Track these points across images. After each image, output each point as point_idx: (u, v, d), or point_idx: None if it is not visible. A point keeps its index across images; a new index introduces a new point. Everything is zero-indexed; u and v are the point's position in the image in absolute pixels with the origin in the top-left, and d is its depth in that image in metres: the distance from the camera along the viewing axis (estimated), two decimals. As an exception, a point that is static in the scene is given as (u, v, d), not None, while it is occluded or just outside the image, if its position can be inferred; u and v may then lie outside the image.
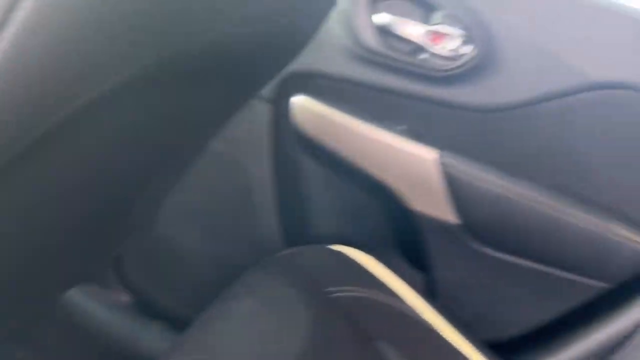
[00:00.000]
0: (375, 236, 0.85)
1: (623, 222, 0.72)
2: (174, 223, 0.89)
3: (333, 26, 0.76)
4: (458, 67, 0.73)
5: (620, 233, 0.72)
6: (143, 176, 0.55)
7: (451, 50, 0.73)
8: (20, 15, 0.27)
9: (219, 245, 0.89)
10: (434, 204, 0.76)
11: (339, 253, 0.75)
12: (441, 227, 0.77)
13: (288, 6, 0.46)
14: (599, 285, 0.74)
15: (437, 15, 0.73)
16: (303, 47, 0.59)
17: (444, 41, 0.73)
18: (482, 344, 0.72)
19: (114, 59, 0.32)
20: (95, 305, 0.88)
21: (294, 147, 0.81)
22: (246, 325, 0.56)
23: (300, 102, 0.78)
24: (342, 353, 0.58)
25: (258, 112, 0.80)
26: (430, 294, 0.81)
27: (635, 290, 0.73)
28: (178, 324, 0.75)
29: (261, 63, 0.55)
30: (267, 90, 0.78)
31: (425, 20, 0.74)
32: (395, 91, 0.76)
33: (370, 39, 0.74)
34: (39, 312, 0.67)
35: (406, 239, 0.83)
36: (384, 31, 0.74)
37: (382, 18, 0.74)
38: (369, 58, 0.75)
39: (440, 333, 0.69)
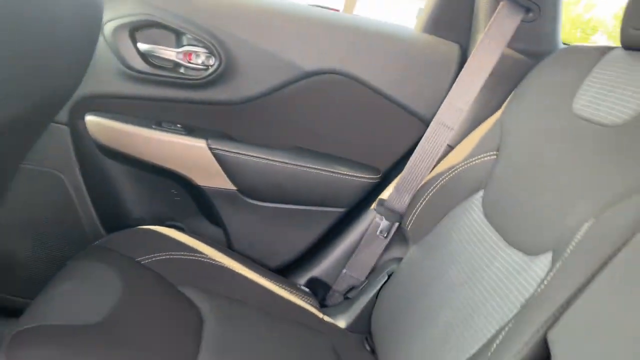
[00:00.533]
0: (180, 212, 1.09)
1: (343, 164, 1.04)
2: (8, 239, 1.04)
3: (106, 55, 0.95)
4: (208, 75, 0.97)
5: (343, 172, 1.03)
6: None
7: (201, 63, 0.97)
8: None
9: (52, 248, 1.06)
10: (215, 179, 1.02)
11: (149, 230, 0.97)
12: (223, 194, 1.03)
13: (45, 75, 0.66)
14: (338, 210, 1.06)
15: (185, 38, 0.96)
16: (79, 82, 0.79)
17: (193, 58, 0.97)
18: (267, 272, 1.00)
19: None
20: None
21: (96, 155, 1.01)
22: (65, 301, 0.74)
23: (92, 120, 0.97)
24: (152, 300, 0.80)
25: (58, 133, 0.98)
26: (228, 245, 1.08)
27: (361, 209, 1.06)
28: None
29: (42, 104, 0.73)
30: (61, 115, 0.96)
31: (177, 43, 0.97)
32: (166, 99, 0.99)
33: (138, 63, 0.96)
34: None
35: (203, 208, 1.08)
36: (147, 55, 0.96)
37: (143, 46, 0.95)
38: (139, 77, 0.97)
39: (234, 270, 0.95)
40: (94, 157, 1.01)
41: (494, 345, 0.58)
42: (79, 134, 0.99)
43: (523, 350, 0.53)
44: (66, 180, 1.02)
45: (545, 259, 0.63)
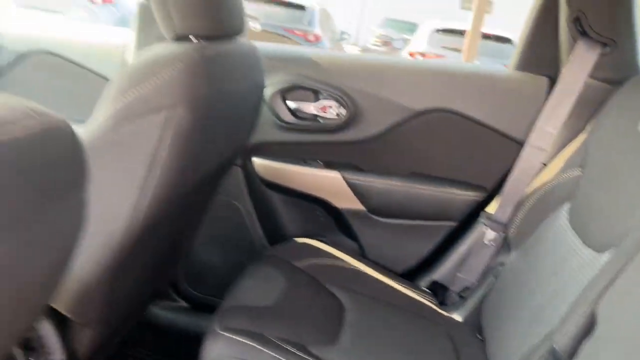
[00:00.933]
0: (323, 228, 1.38)
1: (453, 185, 1.25)
2: (202, 252, 1.41)
3: (265, 112, 1.29)
4: (340, 122, 1.26)
5: (453, 191, 1.24)
6: (192, 227, 1.08)
7: (334, 113, 1.26)
8: None
9: (231, 257, 1.41)
10: (348, 202, 1.29)
11: (301, 242, 1.27)
12: (356, 213, 1.30)
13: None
14: (451, 224, 1.27)
15: (321, 95, 1.26)
16: (250, 136, 1.12)
17: (328, 109, 1.26)
18: (395, 275, 1.24)
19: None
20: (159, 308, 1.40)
21: (261, 187, 1.34)
22: (249, 292, 1.05)
23: (257, 161, 1.31)
24: (305, 292, 1.09)
25: (235, 173, 1.33)
26: (362, 254, 1.34)
27: (470, 221, 1.26)
28: (209, 309, 1.24)
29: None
30: (238, 160, 1.31)
31: (315, 99, 1.27)
32: (309, 142, 1.29)
33: (288, 117, 1.27)
34: (133, 315, 1.18)
35: (342, 225, 1.36)
36: (294, 110, 1.27)
37: (291, 104, 1.27)
38: (289, 127, 1.28)
39: (369, 274, 1.21)
40: (259, 189, 1.34)
41: (564, 319, 0.77)
42: (249, 172, 1.33)
43: (579, 321, 0.71)
44: (241, 207, 1.37)
45: (609, 254, 0.79)
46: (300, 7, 6.69)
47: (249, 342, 0.86)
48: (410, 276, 1.30)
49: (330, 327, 0.98)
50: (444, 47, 6.26)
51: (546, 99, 1.16)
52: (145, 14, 1.25)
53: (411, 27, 12.12)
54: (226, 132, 0.92)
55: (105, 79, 1.36)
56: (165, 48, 0.77)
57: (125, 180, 0.71)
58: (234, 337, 0.86)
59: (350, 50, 11.46)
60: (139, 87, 0.71)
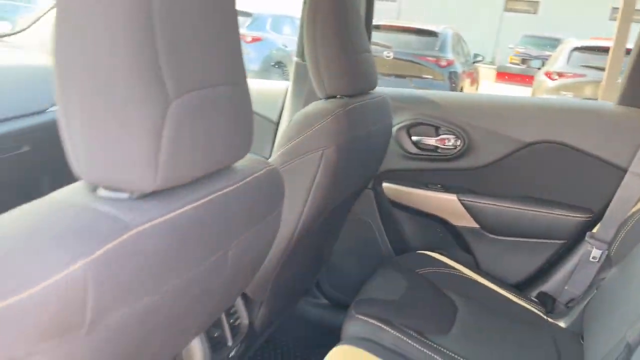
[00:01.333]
0: (442, 243, 1.60)
1: (561, 207, 1.41)
2: (340, 257, 1.71)
3: (393, 144, 1.55)
4: (456, 152, 1.49)
5: (559, 213, 1.40)
6: (333, 238, 1.38)
7: (451, 145, 1.49)
8: None
9: (363, 262, 1.69)
10: (464, 220, 1.50)
11: (423, 254, 1.50)
12: (470, 230, 1.51)
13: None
14: (558, 242, 1.42)
15: (440, 130, 1.50)
16: (380, 166, 1.40)
17: (446, 142, 1.50)
18: (506, 285, 1.42)
19: None
20: (305, 304, 1.72)
21: (389, 207, 1.61)
22: (378, 289, 1.32)
23: (386, 185, 1.58)
24: (425, 295, 1.32)
25: (367, 195, 1.61)
26: (475, 266, 1.54)
27: (578, 240, 1.40)
28: (344, 306, 1.52)
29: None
30: (370, 184, 1.60)
31: (436, 133, 1.51)
32: (430, 169, 1.53)
33: (412, 148, 1.53)
34: (290, 304, 1.50)
35: (458, 240, 1.57)
36: (417, 143, 1.53)
37: (414, 138, 1.53)
38: (413, 157, 1.54)
39: (482, 283, 1.41)
40: (388, 208, 1.61)
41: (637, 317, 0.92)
42: (379, 194, 1.61)
43: None
44: (372, 223, 1.65)
45: None
46: (432, 34, 6.89)
47: (378, 324, 1.12)
48: (520, 287, 1.46)
49: (444, 322, 1.20)
50: (584, 66, 6.03)
51: None
52: (299, 70, 1.60)
53: (553, 43, 11.63)
54: (361, 164, 1.21)
55: (267, 118, 1.73)
56: (318, 105, 1.08)
57: (294, 198, 1.02)
58: (367, 319, 1.13)
59: (486, 70, 11.31)
60: (303, 134, 1.02)
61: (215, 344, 0.98)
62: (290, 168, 1.01)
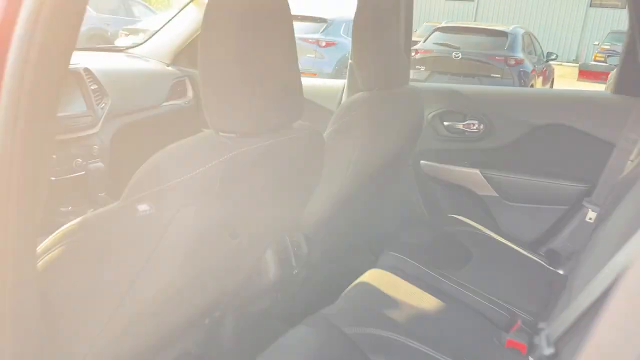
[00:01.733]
0: (469, 208, 1.93)
1: (563, 178, 1.70)
2: (386, 221, 2.08)
3: (427, 129, 1.91)
4: (480, 134, 1.82)
5: (563, 183, 1.70)
6: (379, 203, 1.77)
7: (476, 128, 1.83)
8: None
9: (403, 222, 2.05)
10: (486, 190, 1.83)
11: (454, 217, 1.85)
12: (492, 198, 1.84)
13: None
14: (563, 207, 1.72)
15: (467, 116, 1.84)
16: (411, 147, 1.77)
17: (471, 126, 1.83)
18: (520, 243, 1.74)
19: None
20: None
21: (427, 181, 1.96)
22: (405, 238, 1.70)
23: (424, 163, 1.94)
24: (449, 246, 1.66)
25: (409, 171, 1.97)
26: (495, 228, 1.86)
27: (577, 206, 1.68)
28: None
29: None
30: (410, 162, 1.96)
31: (463, 119, 1.85)
32: (458, 149, 1.88)
33: (443, 132, 1.88)
34: (338, 248, 1.89)
35: (482, 207, 1.90)
36: (448, 127, 1.88)
37: (446, 123, 1.88)
38: (444, 139, 1.89)
39: (499, 240, 1.73)
40: (425, 181, 1.97)
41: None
42: (418, 170, 1.97)
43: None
44: (412, 194, 2.01)
45: None
46: (502, 34, 7.03)
47: (404, 258, 1.49)
48: (531, 245, 1.77)
49: (459, 262, 1.55)
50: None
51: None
52: (352, 69, 2.00)
53: (641, 39, 11.12)
54: (393, 142, 1.58)
55: (327, 109, 2.15)
56: (357, 96, 1.48)
57: (340, 158, 1.42)
58: (396, 254, 1.51)
59: (568, 69, 10.95)
60: (344, 118, 1.42)
61: (283, 264, 1.40)
62: (335, 144, 1.41)
